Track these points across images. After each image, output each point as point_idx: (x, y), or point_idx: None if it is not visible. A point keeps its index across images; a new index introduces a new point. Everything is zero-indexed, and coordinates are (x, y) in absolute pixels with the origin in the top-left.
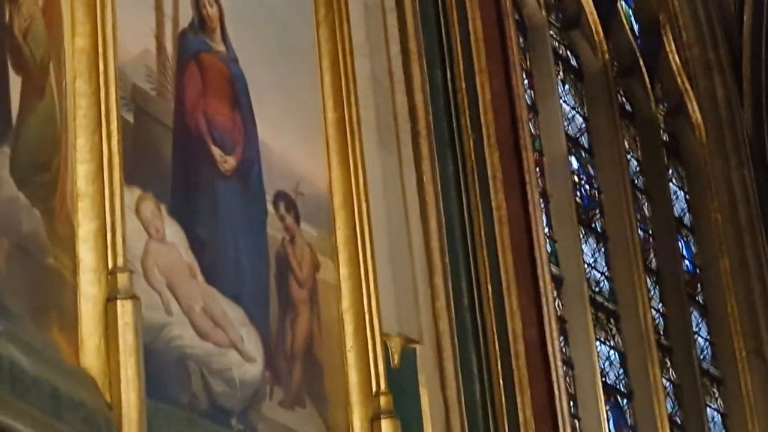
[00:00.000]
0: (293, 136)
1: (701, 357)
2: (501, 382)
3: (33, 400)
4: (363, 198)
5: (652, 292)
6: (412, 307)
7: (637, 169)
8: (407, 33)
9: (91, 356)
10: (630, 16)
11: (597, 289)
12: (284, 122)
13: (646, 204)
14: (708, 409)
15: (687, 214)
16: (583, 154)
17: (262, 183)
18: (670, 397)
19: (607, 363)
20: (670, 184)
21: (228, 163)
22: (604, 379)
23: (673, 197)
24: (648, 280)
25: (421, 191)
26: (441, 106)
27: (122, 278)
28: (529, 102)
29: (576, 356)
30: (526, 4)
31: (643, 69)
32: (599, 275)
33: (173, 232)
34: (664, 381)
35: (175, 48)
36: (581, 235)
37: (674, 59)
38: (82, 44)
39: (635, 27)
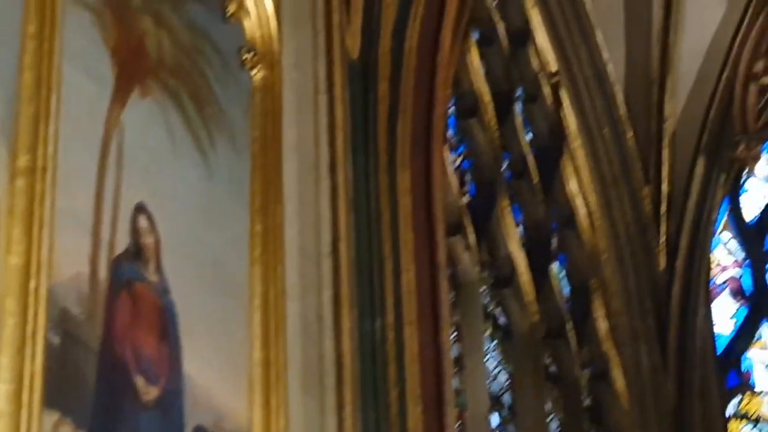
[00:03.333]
0: (219, 372)
1: None
2: None
3: None
4: None
5: None
6: None
7: (558, 431)
8: (340, 279)
9: None
10: (562, 279)
11: None
12: (211, 357)
13: None
14: None
15: None
16: (506, 412)
17: (183, 416)
18: None
19: None
20: None
21: (150, 393)
22: None
23: None
24: None
25: None
26: (368, 355)
27: None
28: (455, 356)
29: None
30: (461, 260)
31: (571, 332)
32: None
33: None
34: None
35: (109, 274)
36: None
37: (602, 325)
38: (15, 262)
39: (566, 290)
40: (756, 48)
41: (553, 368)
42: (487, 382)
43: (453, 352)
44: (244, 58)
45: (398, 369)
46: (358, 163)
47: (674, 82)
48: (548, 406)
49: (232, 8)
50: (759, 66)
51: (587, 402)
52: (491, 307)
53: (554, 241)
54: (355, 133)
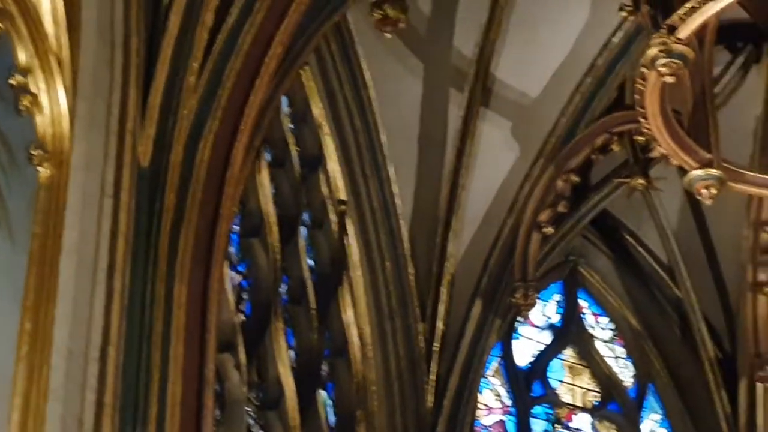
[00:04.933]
0: None
1: None
2: None
3: None
4: None
5: None
6: None
7: None
8: (105, 384)
9: None
10: (328, 407)
11: None
12: None
13: None
14: None
15: None
16: None
17: None
18: None
19: None
20: None
21: None
22: None
23: None
24: None
25: None
26: None
27: None
28: None
29: None
30: (229, 378)
31: None
32: None
33: None
34: None
35: None
36: None
37: None
38: None
39: (332, 419)
40: (542, 198)
41: None
42: None
43: None
44: (32, 153)
45: None
46: (137, 271)
47: (460, 223)
48: None
49: (25, 102)
50: (543, 216)
51: None
52: (255, 429)
53: (325, 369)
54: (138, 240)
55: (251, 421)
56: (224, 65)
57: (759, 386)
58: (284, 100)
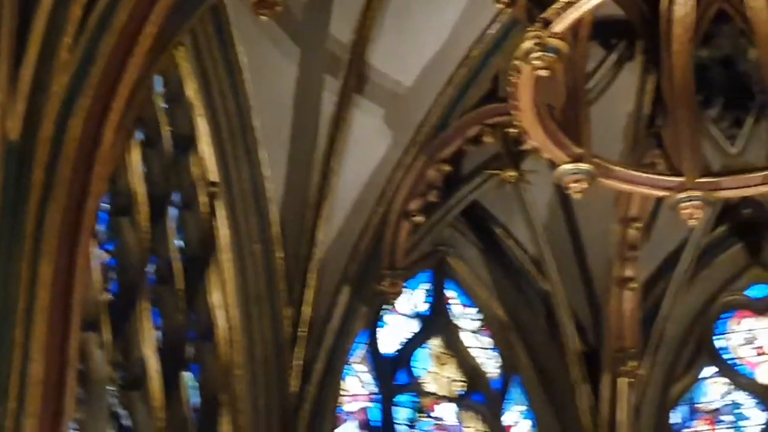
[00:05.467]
0: None
1: None
2: None
3: None
4: None
5: None
6: None
7: None
8: None
9: None
10: (192, 389)
11: None
12: None
13: None
14: None
15: None
16: None
17: None
18: None
19: None
20: None
21: None
22: None
23: None
24: None
25: None
26: None
27: None
28: None
29: None
30: (92, 357)
31: None
32: None
33: None
34: None
35: None
36: None
37: None
38: None
39: (196, 401)
40: (413, 187)
41: None
42: None
43: None
44: None
45: None
46: (2, 247)
47: (330, 209)
48: None
49: None
50: (414, 205)
51: None
52: (117, 408)
53: (190, 351)
54: (3, 215)
55: (114, 401)
56: (97, 42)
57: (621, 380)
58: (158, 79)
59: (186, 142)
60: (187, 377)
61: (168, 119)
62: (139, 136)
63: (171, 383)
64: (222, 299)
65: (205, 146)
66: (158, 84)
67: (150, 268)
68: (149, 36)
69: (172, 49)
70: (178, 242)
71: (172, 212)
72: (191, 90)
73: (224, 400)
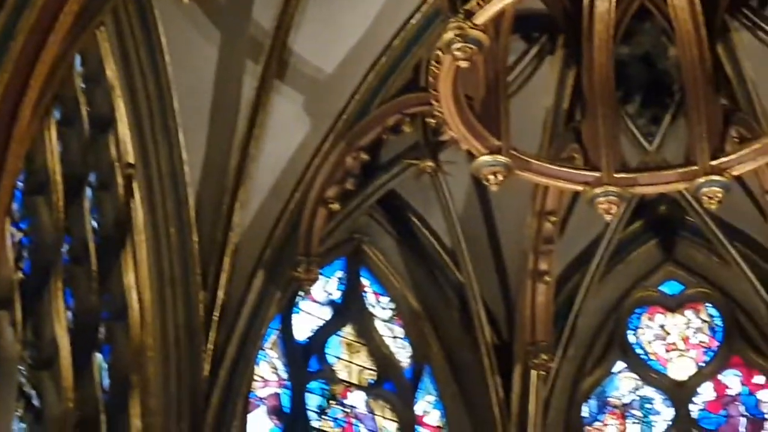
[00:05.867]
0: None
1: None
2: None
3: None
4: None
5: None
6: None
7: None
8: None
9: None
10: (103, 370)
11: None
12: None
13: None
14: None
15: None
16: None
17: None
18: None
19: None
20: None
21: None
22: None
23: None
24: None
25: None
26: None
27: None
28: None
29: None
30: (2, 335)
31: (104, 425)
32: None
33: None
34: None
35: None
36: None
37: (136, 422)
38: None
39: (106, 382)
40: (331, 174)
41: None
42: None
43: None
44: None
45: None
46: None
47: (247, 194)
48: None
49: None
50: (331, 192)
51: None
52: (27, 388)
53: (102, 331)
54: None
55: (23, 380)
56: (17, 18)
57: (533, 373)
58: (78, 58)
59: (104, 123)
60: (99, 358)
61: (87, 99)
62: (56, 114)
63: (82, 363)
64: (136, 281)
65: (124, 127)
66: (78, 63)
67: (64, 248)
68: (70, 14)
69: (94, 28)
70: (93, 223)
71: (88, 192)
72: (111, 71)
73: (135, 382)
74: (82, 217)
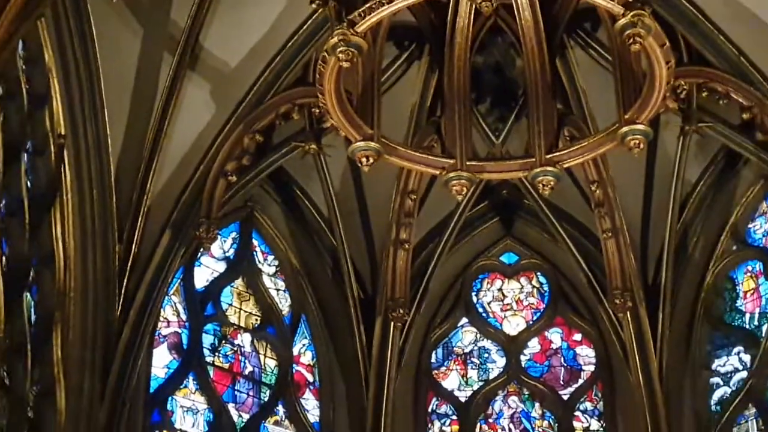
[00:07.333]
0: None
1: None
2: None
3: None
4: None
5: None
6: None
7: None
8: None
9: None
10: (31, 307)
11: None
12: None
13: None
14: None
15: None
16: None
17: None
18: None
19: None
20: None
21: None
22: None
23: None
24: None
25: None
26: None
27: None
28: None
29: None
30: None
31: (29, 354)
32: None
33: None
34: None
35: None
36: None
37: (57, 352)
38: None
39: (33, 317)
40: (231, 151)
41: (6, 381)
42: None
43: None
44: None
45: None
46: None
47: (160, 165)
48: None
49: None
50: (230, 166)
51: (31, 414)
52: None
53: (32, 274)
54: None
55: None
56: None
57: (391, 324)
58: (20, 43)
59: (41, 99)
60: (28, 297)
61: (26, 78)
62: (0, 90)
63: (13, 301)
64: (62, 233)
65: (58, 104)
66: (20, 47)
67: (2, 204)
68: (15, 5)
69: (35, 19)
70: (29, 184)
71: (25, 157)
72: (49, 55)
73: (58, 318)
74: (19, 178)
